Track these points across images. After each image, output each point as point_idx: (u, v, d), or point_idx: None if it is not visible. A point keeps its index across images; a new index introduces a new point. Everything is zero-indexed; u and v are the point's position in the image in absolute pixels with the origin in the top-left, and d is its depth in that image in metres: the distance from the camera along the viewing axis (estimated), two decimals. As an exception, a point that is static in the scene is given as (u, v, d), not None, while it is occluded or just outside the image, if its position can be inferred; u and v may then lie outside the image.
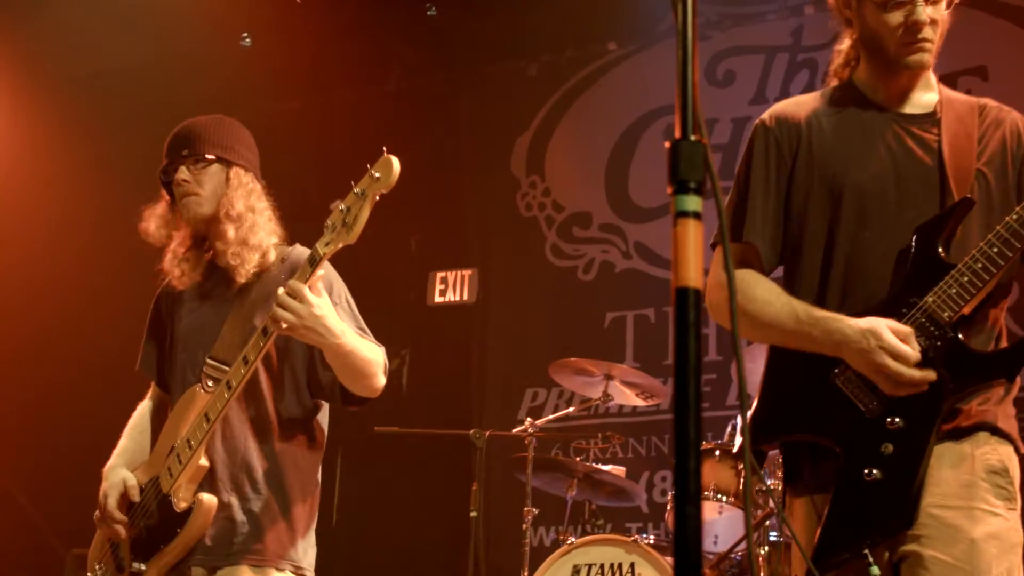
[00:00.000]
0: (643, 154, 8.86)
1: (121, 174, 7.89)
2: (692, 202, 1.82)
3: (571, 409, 7.20)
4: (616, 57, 9.17)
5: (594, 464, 6.63)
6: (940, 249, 3.08)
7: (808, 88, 7.88)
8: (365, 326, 3.96)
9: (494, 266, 8.96)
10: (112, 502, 3.90)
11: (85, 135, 8.71)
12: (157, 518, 3.84)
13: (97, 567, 4.02)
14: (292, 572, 3.81)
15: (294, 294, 3.58)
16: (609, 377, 6.64)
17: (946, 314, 3.02)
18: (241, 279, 3.90)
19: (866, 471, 2.99)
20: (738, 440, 6.33)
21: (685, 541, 1.71)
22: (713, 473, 6.16)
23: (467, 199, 9.13)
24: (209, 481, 3.82)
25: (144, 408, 4.20)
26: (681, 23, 1.91)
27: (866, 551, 2.97)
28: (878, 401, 3.04)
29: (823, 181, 3.26)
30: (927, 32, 3.23)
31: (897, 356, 2.99)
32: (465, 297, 8.88)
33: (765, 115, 3.41)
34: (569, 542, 6.15)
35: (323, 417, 4.04)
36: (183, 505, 3.77)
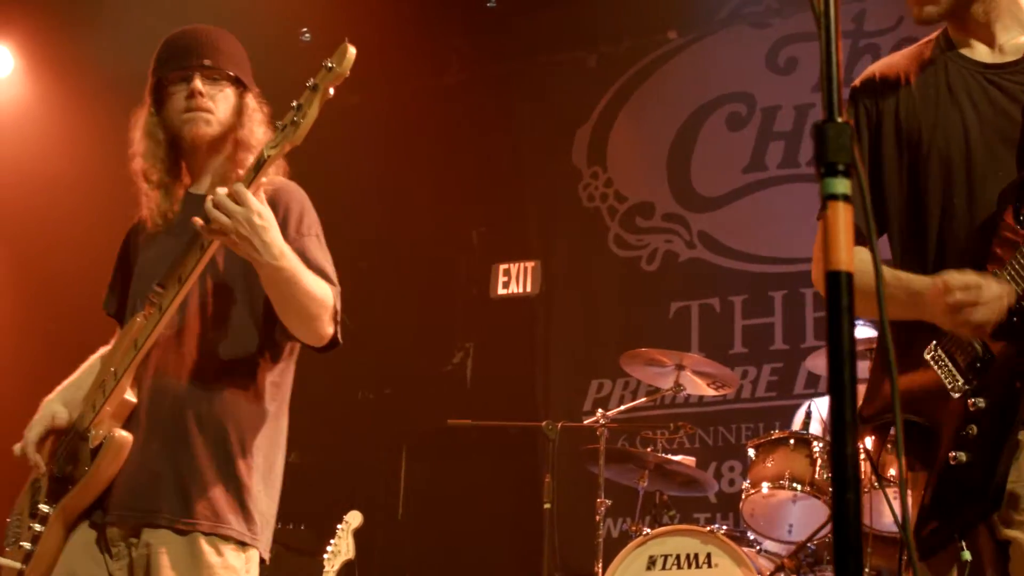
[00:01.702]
0: (705, 143, 8.82)
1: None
2: (841, 184, 1.79)
3: (643, 399, 7.17)
4: (676, 46, 9.14)
5: (665, 455, 6.61)
6: (1020, 216, 2.90)
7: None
8: (331, 269, 3.45)
9: (557, 258, 8.95)
10: (32, 435, 3.47)
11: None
12: (74, 458, 3.38)
13: (15, 512, 3.54)
14: (226, 542, 3.27)
15: (234, 195, 3.11)
16: (680, 367, 6.60)
17: (1019, 286, 2.85)
18: None
19: (952, 454, 2.88)
20: (812, 428, 6.30)
21: (845, 528, 1.69)
22: (787, 462, 6.11)
23: (529, 191, 9.12)
24: (135, 422, 3.34)
25: (103, 349, 3.73)
26: (823, 4, 1.88)
27: (957, 535, 2.87)
28: (963, 380, 2.91)
29: (909, 148, 3.12)
30: None
31: (967, 287, 2.83)
32: (528, 289, 8.87)
33: (857, 79, 3.27)
34: (645, 533, 6.13)
35: (281, 368, 3.50)
36: (96, 442, 3.31)
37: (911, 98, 3.16)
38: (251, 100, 3.55)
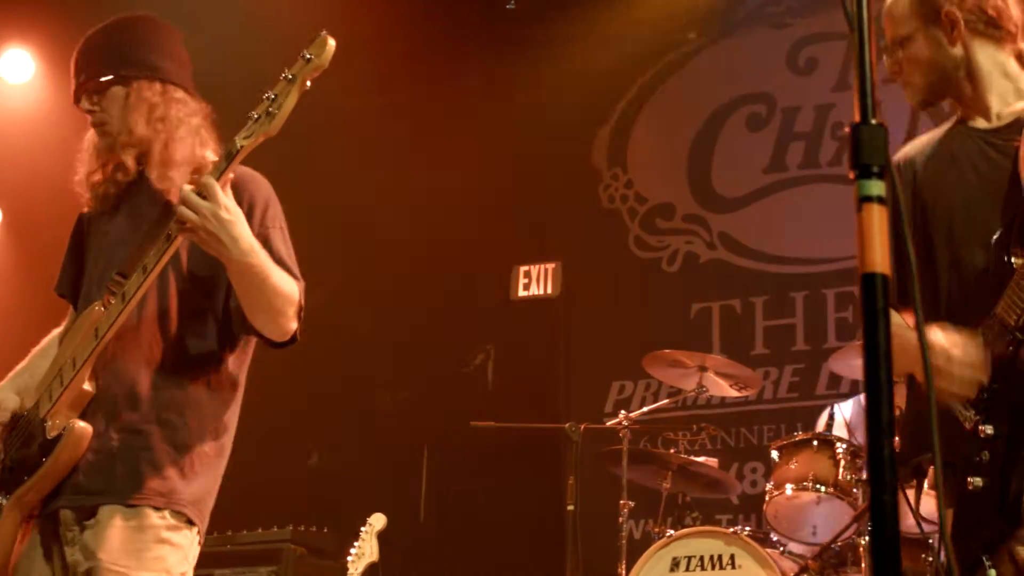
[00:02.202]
0: (725, 144, 8.81)
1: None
2: (876, 187, 1.79)
3: (665, 401, 7.15)
4: (695, 47, 9.13)
5: (687, 456, 6.60)
6: (1008, 256, 3.04)
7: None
8: (294, 263, 3.42)
9: (577, 259, 8.93)
10: None
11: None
12: (29, 447, 3.32)
13: None
14: (176, 517, 3.28)
15: (202, 190, 3.09)
16: (703, 368, 6.58)
17: (1012, 318, 2.98)
18: (174, 199, 3.29)
19: (969, 480, 3.00)
20: (836, 430, 6.28)
21: (883, 530, 1.68)
22: (811, 463, 6.09)
23: (548, 192, 9.11)
24: (91, 410, 3.31)
25: (55, 332, 3.69)
26: (855, 4, 1.89)
27: (983, 557, 2.97)
28: (974, 411, 3.04)
29: (922, 212, 3.32)
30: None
31: (944, 352, 3.01)
32: (549, 291, 8.85)
33: (894, 156, 3.45)
34: (668, 534, 6.12)
35: (237, 360, 3.49)
36: (54, 433, 3.26)
37: (925, 169, 3.39)
38: (137, 89, 3.47)
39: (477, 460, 8.39)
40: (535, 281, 8.91)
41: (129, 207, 3.52)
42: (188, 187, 3.12)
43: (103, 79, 3.46)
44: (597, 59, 9.23)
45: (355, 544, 5.79)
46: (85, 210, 3.64)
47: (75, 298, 3.62)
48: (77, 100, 3.52)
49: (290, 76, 3.08)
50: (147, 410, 3.31)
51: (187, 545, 3.32)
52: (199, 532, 3.37)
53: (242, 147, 3.14)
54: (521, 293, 8.91)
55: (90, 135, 3.55)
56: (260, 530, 6.65)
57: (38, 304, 8.17)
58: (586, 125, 9.25)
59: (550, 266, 8.90)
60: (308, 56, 3.08)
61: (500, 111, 9.19)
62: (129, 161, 3.46)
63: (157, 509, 3.25)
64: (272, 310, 3.28)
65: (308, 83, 3.10)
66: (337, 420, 8.70)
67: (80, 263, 3.64)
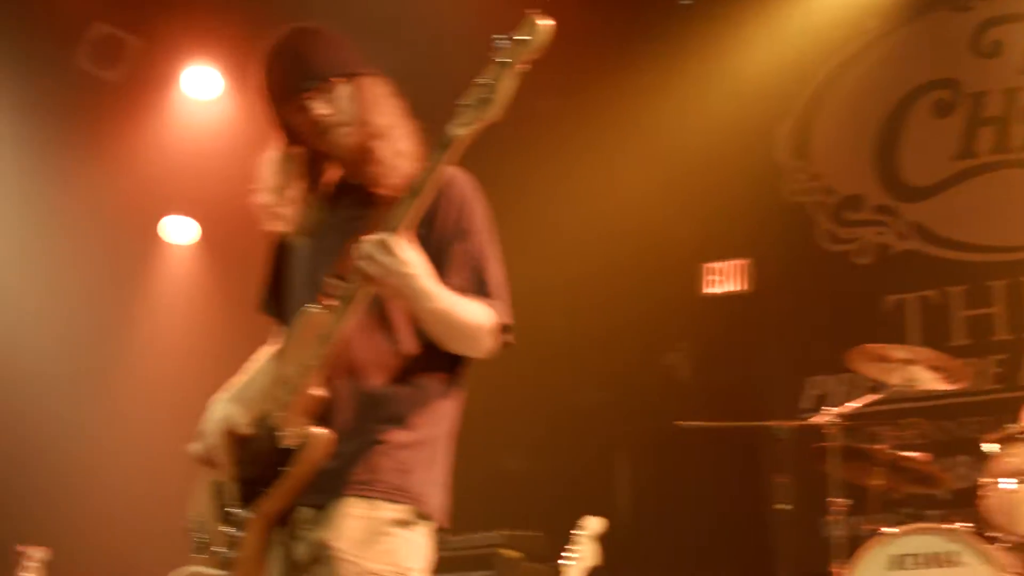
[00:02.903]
0: (912, 132, 8.64)
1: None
2: None
3: (872, 396, 7.02)
4: (876, 35, 8.97)
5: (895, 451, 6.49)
6: None
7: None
8: (494, 271, 3.35)
9: (765, 254, 8.84)
10: (213, 439, 3.39)
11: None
12: (263, 457, 3.27)
13: (195, 517, 3.45)
14: (409, 507, 3.24)
15: (381, 244, 3.05)
16: (911, 362, 6.46)
17: None
18: (386, 191, 3.31)
19: None
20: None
21: None
22: (1024, 457, 5.98)
23: (731, 188, 9.02)
24: (324, 414, 3.25)
25: (266, 347, 3.66)
26: None
27: None
28: None
29: None
30: None
31: None
32: (738, 287, 8.80)
33: None
34: (885, 531, 6.02)
35: (460, 362, 3.44)
36: (291, 441, 3.21)
37: None
38: (366, 85, 3.43)
39: (677, 459, 8.35)
40: (724, 277, 8.86)
41: (335, 208, 3.50)
42: (368, 240, 3.09)
43: (334, 79, 3.38)
44: (775, 53, 9.12)
45: (569, 547, 5.80)
46: (281, 227, 3.58)
47: (279, 313, 3.59)
48: (292, 111, 3.42)
49: (504, 61, 3.00)
50: (379, 411, 3.28)
51: (419, 541, 3.29)
52: (434, 528, 3.33)
53: (456, 136, 3.07)
54: (711, 290, 8.87)
55: (270, 154, 3.51)
56: (470, 533, 6.66)
57: (236, 318, 8.40)
58: (767, 119, 9.13)
59: (738, 263, 8.83)
60: (521, 38, 2.99)
61: (678, 109, 9.13)
62: (359, 155, 3.41)
63: (392, 502, 3.23)
64: (464, 340, 3.29)
65: (524, 67, 3.01)
66: (539, 424, 8.74)
67: (281, 277, 3.62)
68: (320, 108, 3.37)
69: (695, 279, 8.94)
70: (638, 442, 8.55)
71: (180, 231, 8.98)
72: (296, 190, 3.49)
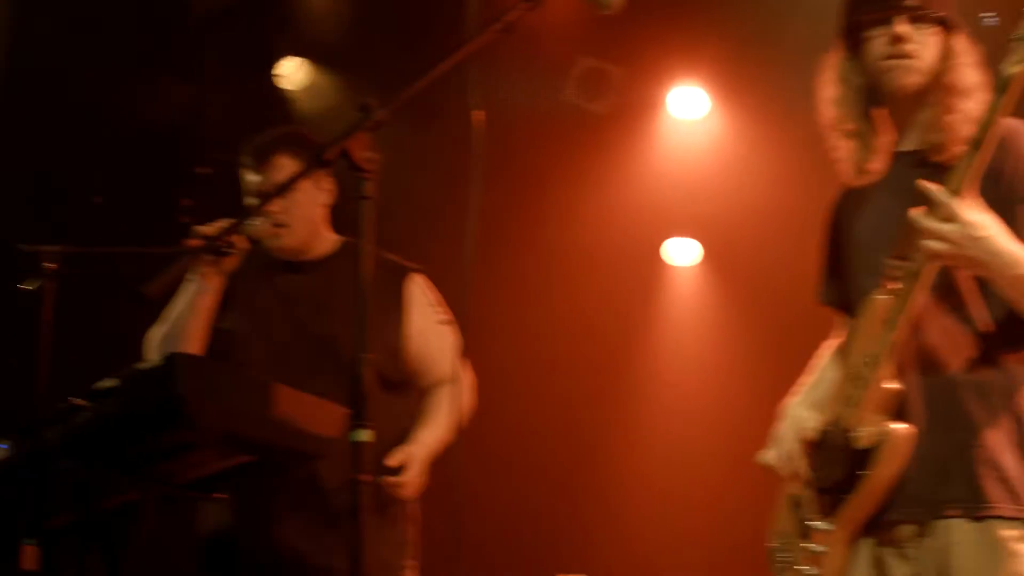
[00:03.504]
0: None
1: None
2: None
3: None
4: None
5: None
6: None
7: None
8: None
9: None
10: (788, 447, 3.20)
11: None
12: (839, 462, 3.04)
13: (778, 534, 3.26)
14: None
15: (939, 212, 2.77)
16: None
17: None
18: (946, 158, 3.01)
19: None
20: None
21: None
22: None
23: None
24: (903, 409, 2.99)
25: (832, 342, 3.43)
26: None
27: None
28: None
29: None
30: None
31: None
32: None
33: None
34: None
35: None
36: (867, 441, 2.95)
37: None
38: (960, 41, 3.14)
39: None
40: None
41: (885, 184, 3.23)
42: (925, 219, 2.85)
43: (937, 13, 3.12)
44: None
45: None
46: (842, 192, 3.39)
47: (842, 301, 3.35)
48: (881, 18, 3.13)
49: None
50: (968, 402, 3.01)
51: None
52: None
53: (1013, 75, 2.78)
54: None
55: (839, 67, 3.26)
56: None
57: (744, 335, 8.34)
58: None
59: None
60: None
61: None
62: (924, 98, 3.14)
63: (1006, 519, 2.95)
64: None
65: None
66: None
67: (843, 259, 3.36)
68: (904, 30, 3.10)
69: None
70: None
71: (682, 253, 8.98)
72: (853, 124, 3.26)
